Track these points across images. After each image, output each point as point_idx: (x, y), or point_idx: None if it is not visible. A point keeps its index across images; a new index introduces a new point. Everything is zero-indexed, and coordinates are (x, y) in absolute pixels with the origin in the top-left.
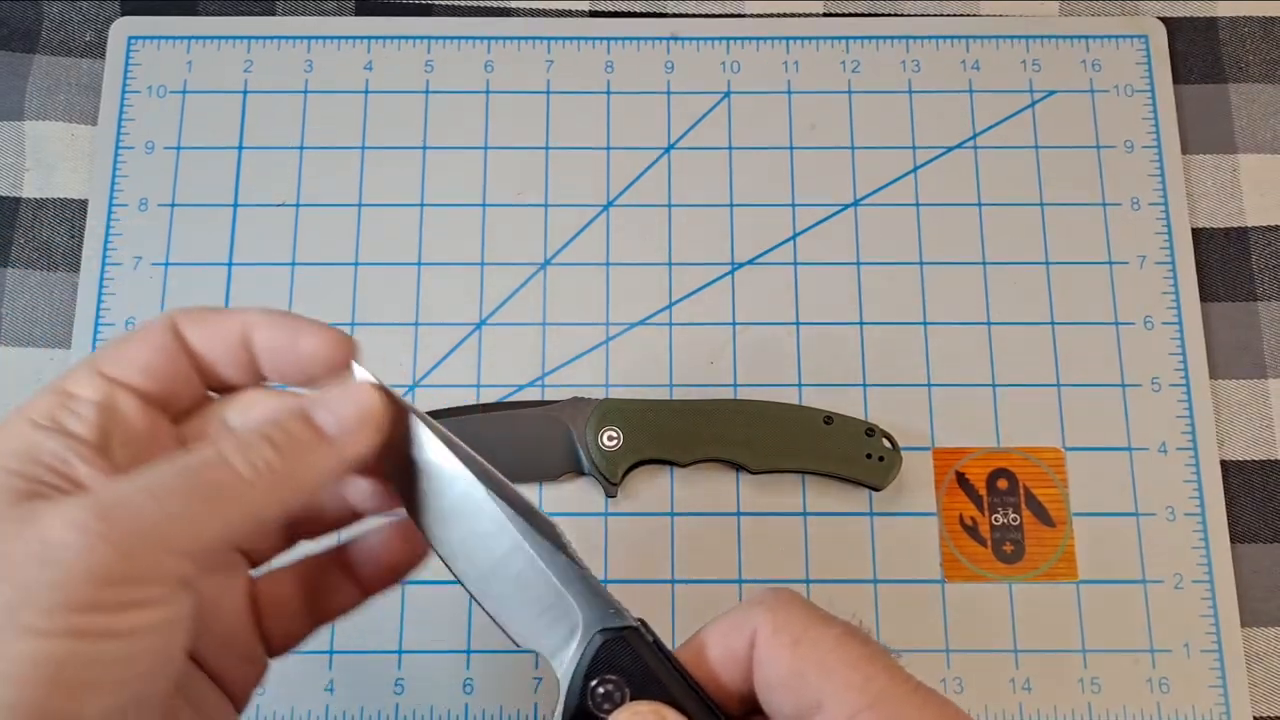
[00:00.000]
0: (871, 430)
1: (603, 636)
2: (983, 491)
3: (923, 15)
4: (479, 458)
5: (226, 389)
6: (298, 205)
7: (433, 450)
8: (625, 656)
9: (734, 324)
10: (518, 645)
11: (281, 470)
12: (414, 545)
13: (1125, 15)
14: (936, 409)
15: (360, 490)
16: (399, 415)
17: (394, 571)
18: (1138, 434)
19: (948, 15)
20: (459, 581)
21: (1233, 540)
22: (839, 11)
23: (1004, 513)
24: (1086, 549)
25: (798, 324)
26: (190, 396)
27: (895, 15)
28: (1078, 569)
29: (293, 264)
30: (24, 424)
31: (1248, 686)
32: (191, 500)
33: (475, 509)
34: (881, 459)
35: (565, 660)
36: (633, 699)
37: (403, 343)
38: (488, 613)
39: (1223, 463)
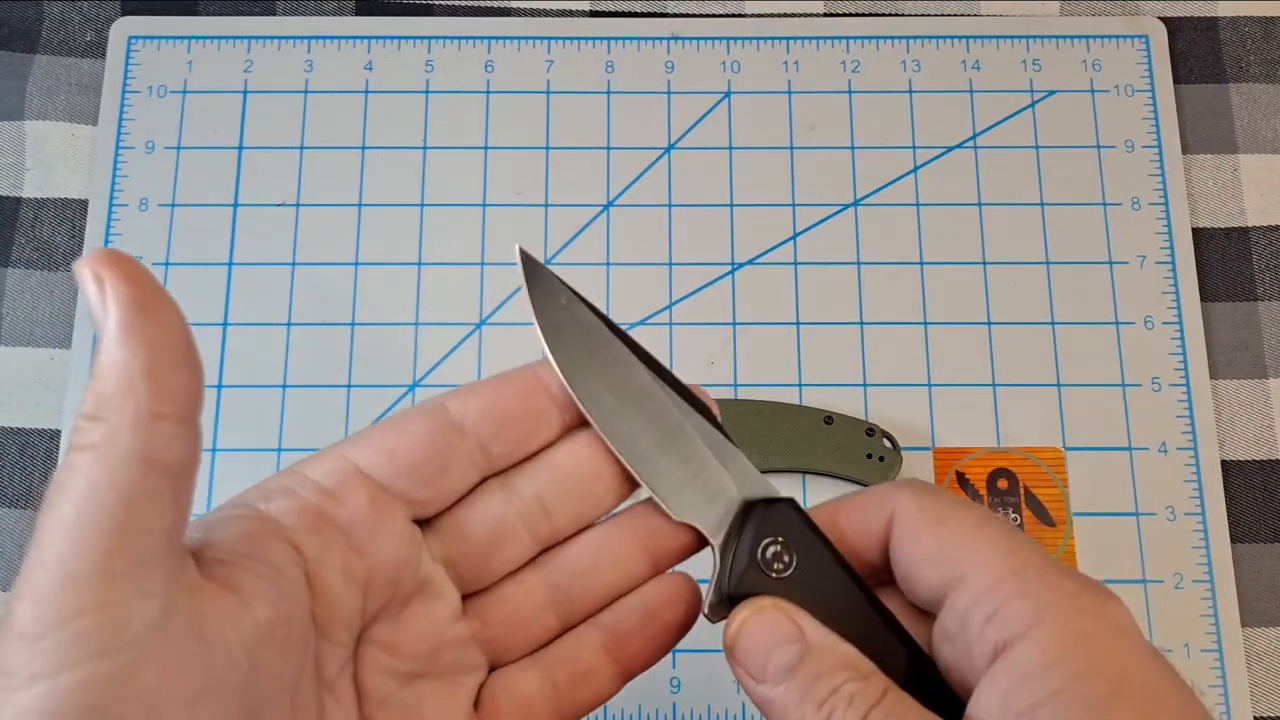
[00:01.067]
0: (871, 430)
1: (765, 505)
2: (983, 491)
3: (923, 15)
4: (630, 335)
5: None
6: (298, 205)
7: (595, 327)
8: (787, 524)
9: (734, 324)
10: (674, 519)
11: (93, 409)
12: (689, 600)
13: (1126, 15)
14: (936, 409)
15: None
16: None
17: (665, 639)
18: (1138, 434)
19: (948, 15)
20: (617, 454)
21: (1233, 540)
22: (839, 11)
23: (1004, 512)
24: (1086, 549)
25: (798, 324)
26: (454, 488)
27: (895, 15)
28: (1078, 569)
29: (293, 264)
30: (257, 498)
31: (1248, 686)
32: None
33: (635, 385)
34: (882, 459)
35: (724, 530)
36: (799, 564)
37: (403, 343)
38: (645, 484)
39: (1223, 463)
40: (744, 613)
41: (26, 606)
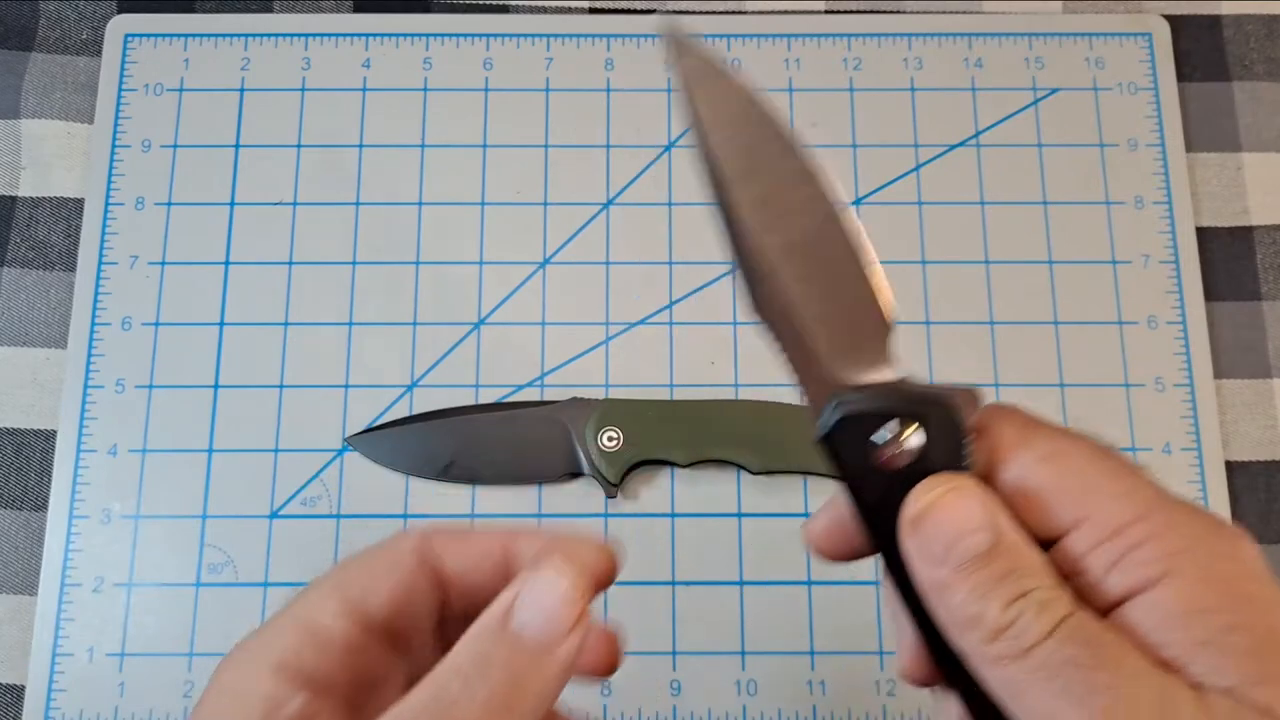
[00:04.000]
0: None
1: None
2: None
3: (925, 13)
4: None
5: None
6: (295, 204)
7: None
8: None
9: (734, 324)
10: None
11: (505, 698)
12: (614, 653)
13: (1129, 13)
14: None
15: None
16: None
17: (590, 676)
18: (1142, 434)
19: (950, 13)
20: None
21: None
22: (841, 9)
23: None
24: None
25: None
26: (425, 630)
27: (897, 13)
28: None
29: (290, 263)
30: (266, 669)
31: None
32: None
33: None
34: None
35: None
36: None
37: (401, 342)
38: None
39: (1227, 463)
40: (938, 488)
41: None
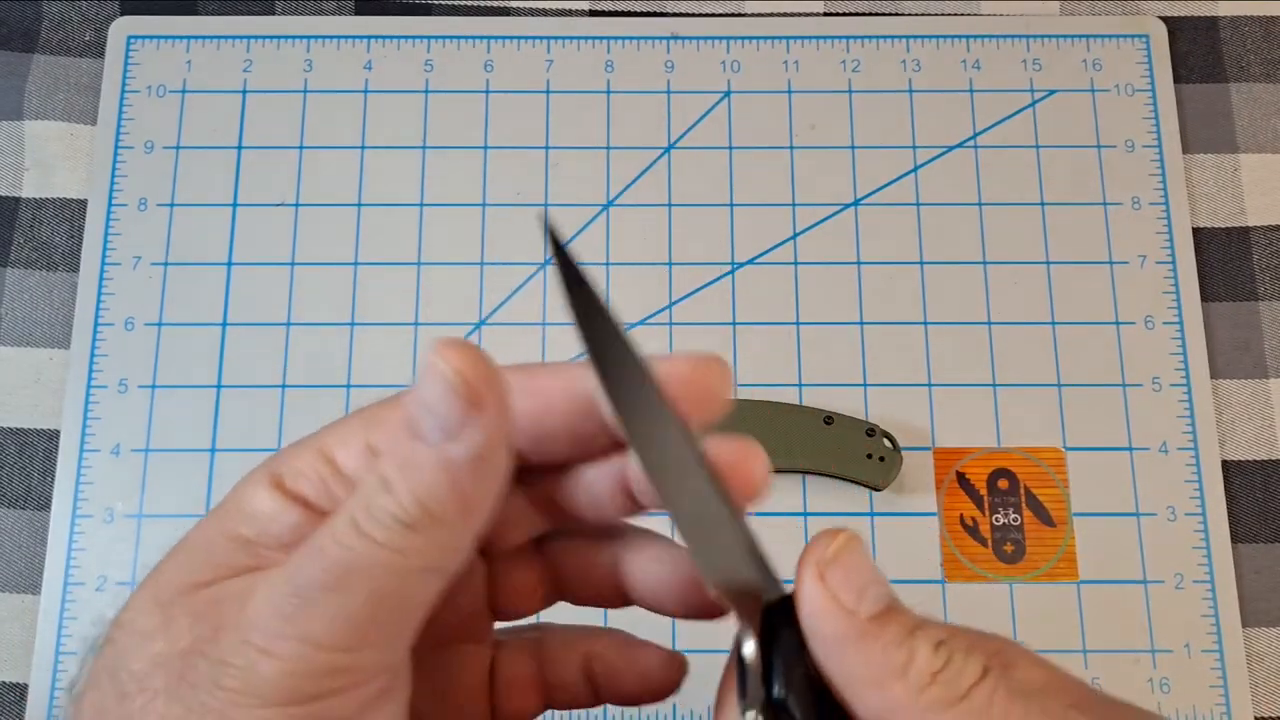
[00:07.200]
0: (872, 430)
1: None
2: (983, 491)
3: (923, 15)
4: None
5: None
6: (297, 205)
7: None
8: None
9: (734, 324)
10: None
11: (415, 521)
12: (673, 674)
13: (1126, 15)
14: (936, 409)
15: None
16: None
17: (640, 696)
18: (1138, 434)
19: (948, 15)
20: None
21: (1234, 540)
22: (839, 11)
23: (1004, 513)
24: (1087, 549)
25: (798, 324)
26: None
27: (895, 15)
28: (1078, 569)
29: (292, 264)
30: (265, 488)
31: (1249, 687)
32: (327, 597)
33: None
34: (882, 459)
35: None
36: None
37: (403, 343)
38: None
39: (1224, 463)
40: (840, 536)
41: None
